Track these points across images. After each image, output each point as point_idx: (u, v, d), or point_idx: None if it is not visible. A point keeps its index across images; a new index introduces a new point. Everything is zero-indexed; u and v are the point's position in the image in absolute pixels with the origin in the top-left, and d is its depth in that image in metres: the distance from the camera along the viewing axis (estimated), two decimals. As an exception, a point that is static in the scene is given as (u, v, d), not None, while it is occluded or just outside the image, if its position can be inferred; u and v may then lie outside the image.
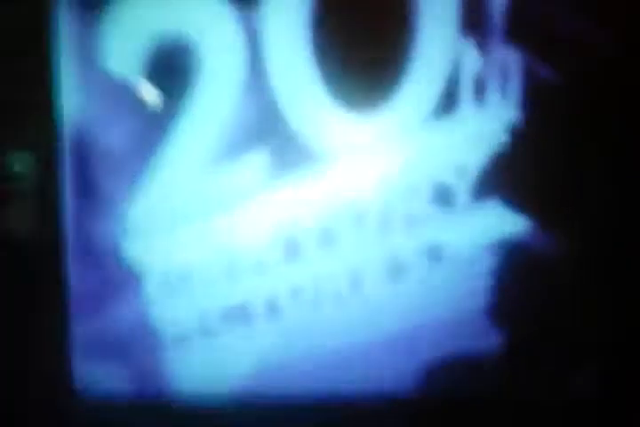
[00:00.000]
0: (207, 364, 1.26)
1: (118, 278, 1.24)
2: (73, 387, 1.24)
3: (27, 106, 1.19)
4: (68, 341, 1.23)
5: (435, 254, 1.27)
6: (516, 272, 1.28)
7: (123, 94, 1.21)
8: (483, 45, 1.23)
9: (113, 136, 1.21)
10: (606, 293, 1.28)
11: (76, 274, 1.23)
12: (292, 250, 1.25)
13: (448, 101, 1.23)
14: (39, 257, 1.22)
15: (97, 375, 1.24)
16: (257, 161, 1.23)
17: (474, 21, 1.22)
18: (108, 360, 1.24)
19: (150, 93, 1.21)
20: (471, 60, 1.23)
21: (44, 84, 1.18)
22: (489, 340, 1.28)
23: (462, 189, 1.25)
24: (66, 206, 1.21)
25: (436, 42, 1.22)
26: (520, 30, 1.22)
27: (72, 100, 1.20)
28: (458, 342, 1.28)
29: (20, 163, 1.20)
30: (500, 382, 1.28)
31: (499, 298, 1.28)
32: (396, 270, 1.27)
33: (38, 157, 1.20)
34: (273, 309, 1.26)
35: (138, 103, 1.21)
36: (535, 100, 1.24)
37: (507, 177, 1.25)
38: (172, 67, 1.21)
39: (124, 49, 1.20)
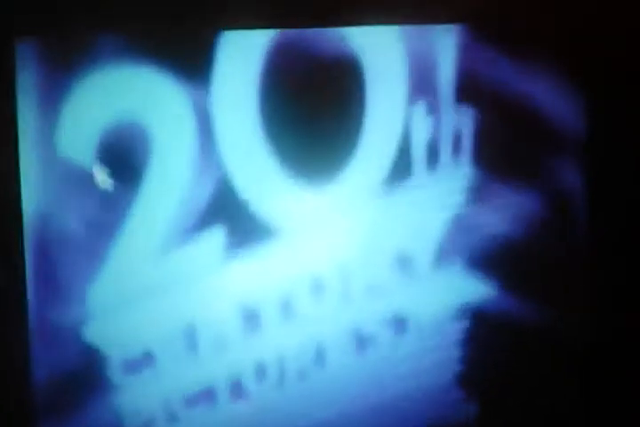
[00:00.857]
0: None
1: (80, 364, 1.20)
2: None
3: None
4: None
5: (399, 324, 1.26)
6: (483, 339, 1.27)
7: (78, 179, 1.18)
8: (433, 109, 1.24)
9: (70, 220, 1.18)
10: (576, 353, 1.28)
11: (39, 360, 1.19)
12: (253, 325, 1.22)
13: (402, 167, 1.24)
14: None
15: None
16: (213, 237, 1.20)
17: (423, 86, 1.24)
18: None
19: (105, 177, 1.19)
20: (422, 124, 1.24)
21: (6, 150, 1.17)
22: (461, 410, 1.27)
23: (423, 256, 1.25)
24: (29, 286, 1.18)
25: (386, 109, 1.23)
26: (469, 92, 1.24)
27: (31, 185, 1.18)
28: (429, 415, 1.26)
29: None
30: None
31: (468, 367, 1.27)
32: (361, 342, 1.25)
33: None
34: (237, 389, 1.23)
35: (93, 187, 1.19)
36: (490, 159, 1.25)
37: (467, 241, 1.26)
38: (125, 150, 1.19)
39: (77, 134, 1.18)
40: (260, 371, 1.24)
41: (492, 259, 1.25)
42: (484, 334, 1.26)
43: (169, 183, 1.20)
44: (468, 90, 1.24)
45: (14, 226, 1.16)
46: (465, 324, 1.26)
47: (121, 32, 1.17)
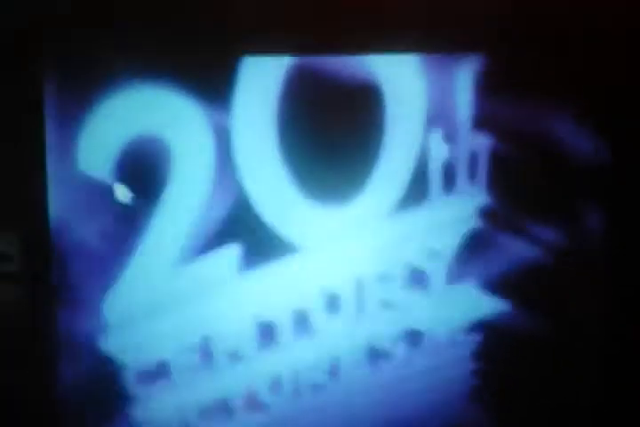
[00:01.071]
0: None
1: (98, 374, 1.22)
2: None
3: (16, 188, 1.19)
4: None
5: (413, 340, 1.27)
6: (497, 353, 1.28)
7: (100, 193, 1.21)
8: (450, 135, 1.25)
9: (90, 234, 1.20)
10: (590, 368, 1.28)
11: (50, 364, 1.21)
12: (268, 340, 1.24)
13: (418, 188, 1.25)
14: (25, 342, 1.21)
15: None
16: (230, 252, 1.22)
17: (441, 112, 1.24)
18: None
19: (125, 192, 1.22)
20: (439, 149, 1.25)
21: (34, 164, 1.19)
22: (476, 425, 1.28)
23: (437, 273, 1.26)
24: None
25: (404, 132, 1.24)
26: (486, 119, 1.25)
27: (55, 198, 1.20)
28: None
29: (6, 244, 1.20)
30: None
31: (482, 381, 1.28)
32: (375, 356, 1.26)
33: (25, 239, 1.20)
34: (252, 401, 1.25)
35: (114, 202, 1.21)
36: (504, 184, 1.26)
37: (480, 260, 1.27)
38: (146, 166, 1.21)
39: (98, 150, 1.20)
40: (275, 384, 1.26)
41: (505, 277, 1.27)
42: (498, 349, 1.27)
43: (188, 199, 1.22)
44: (486, 118, 1.25)
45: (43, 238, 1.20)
46: (479, 338, 1.27)
47: (145, 54, 1.19)
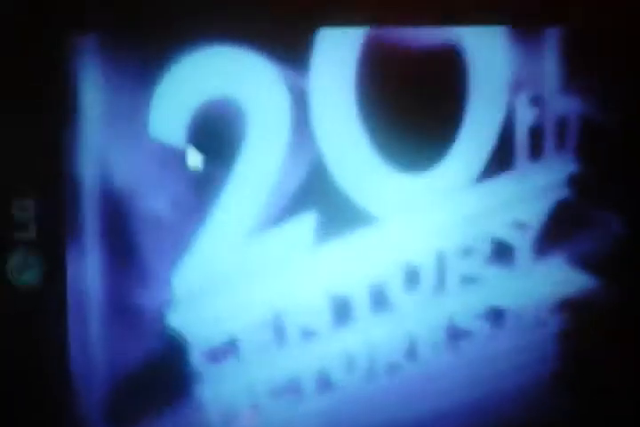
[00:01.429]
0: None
1: (163, 351, 1.16)
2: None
3: (35, 152, 1.13)
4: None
5: (497, 318, 1.20)
6: (584, 333, 1.20)
7: (169, 160, 1.15)
8: (537, 99, 1.18)
9: (160, 203, 1.15)
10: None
11: (113, 339, 1.15)
12: (343, 315, 1.17)
13: (504, 156, 1.18)
14: (42, 310, 1.14)
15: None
16: (305, 224, 1.16)
17: (526, 77, 1.18)
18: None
19: (197, 159, 1.15)
20: (525, 113, 1.18)
21: (56, 132, 1.14)
22: (558, 409, 1.20)
23: (523, 247, 1.19)
24: (74, 260, 1.15)
25: (489, 96, 1.17)
26: (576, 79, 1.18)
27: (122, 167, 1.15)
28: (524, 412, 1.20)
29: (25, 211, 1.13)
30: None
31: (567, 363, 1.20)
32: (455, 335, 1.19)
33: (44, 206, 1.14)
34: (324, 381, 1.18)
35: (184, 169, 1.15)
36: (595, 150, 1.18)
37: (570, 233, 1.19)
38: (219, 132, 1.15)
39: (170, 114, 1.14)
40: (349, 363, 1.19)
41: (596, 252, 1.19)
42: (586, 329, 1.19)
43: (262, 166, 1.16)
44: (575, 83, 1.18)
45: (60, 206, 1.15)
46: (567, 317, 1.20)
47: (220, 16, 1.14)
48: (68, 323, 1.14)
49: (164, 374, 1.16)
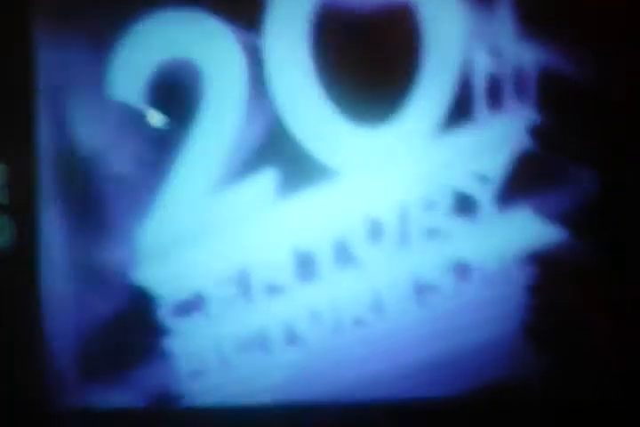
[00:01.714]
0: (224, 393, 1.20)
1: (130, 306, 1.20)
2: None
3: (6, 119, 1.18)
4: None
5: (462, 271, 1.18)
6: (551, 286, 1.18)
7: (129, 120, 1.19)
8: (495, 45, 1.16)
9: (123, 161, 1.18)
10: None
11: (81, 296, 1.19)
12: (307, 270, 1.18)
13: (462, 107, 1.16)
14: (14, 273, 1.18)
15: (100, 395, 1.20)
16: (266, 179, 1.17)
17: (484, 21, 1.16)
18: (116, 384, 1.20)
19: (157, 118, 1.18)
20: (483, 63, 1.16)
21: (27, 99, 1.18)
22: (527, 362, 1.18)
23: (485, 199, 1.17)
24: (45, 222, 1.19)
25: (446, 45, 1.16)
26: (534, 25, 1.15)
27: (84, 127, 1.19)
28: (493, 367, 1.18)
29: None
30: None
31: (535, 315, 1.18)
32: (421, 289, 1.18)
33: (15, 171, 1.18)
34: (291, 335, 1.20)
35: (145, 128, 1.19)
36: (555, 98, 1.15)
37: (532, 184, 1.17)
38: (176, 91, 1.18)
39: (129, 76, 1.18)
40: (315, 317, 1.20)
41: (560, 203, 1.15)
42: (552, 281, 1.16)
43: (221, 124, 1.18)
44: (532, 31, 1.15)
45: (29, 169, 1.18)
46: (532, 270, 1.17)
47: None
48: (39, 283, 1.19)
49: (133, 328, 1.19)
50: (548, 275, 1.17)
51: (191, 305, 1.20)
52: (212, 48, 1.17)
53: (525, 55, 1.15)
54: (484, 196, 1.17)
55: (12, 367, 1.19)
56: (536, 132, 1.16)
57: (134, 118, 1.18)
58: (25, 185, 1.18)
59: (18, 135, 1.18)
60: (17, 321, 1.19)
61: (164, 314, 1.19)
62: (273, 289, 1.19)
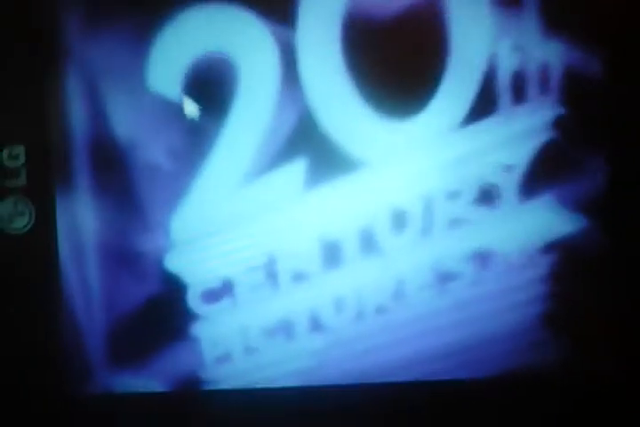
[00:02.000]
0: (249, 378, 1.23)
1: (161, 292, 1.22)
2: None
3: (26, 99, 1.20)
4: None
5: (483, 259, 1.22)
6: (573, 275, 1.21)
7: (164, 111, 1.22)
8: (520, 41, 1.21)
9: (158, 152, 1.21)
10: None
11: (111, 282, 1.22)
12: (333, 258, 1.21)
13: (487, 100, 1.20)
14: (34, 258, 1.20)
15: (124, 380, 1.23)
16: (295, 170, 1.21)
17: (510, 18, 1.21)
18: (142, 369, 1.22)
19: (191, 110, 1.22)
20: (508, 58, 1.21)
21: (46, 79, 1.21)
22: (547, 352, 1.22)
23: (509, 189, 1.21)
24: (69, 207, 1.21)
25: (472, 43, 1.20)
26: (559, 21, 1.20)
27: (121, 117, 1.22)
28: (513, 355, 1.22)
29: (14, 158, 1.20)
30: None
31: (556, 305, 1.22)
32: (443, 277, 1.21)
33: (33, 153, 1.20)
34: (316, 322, 1.22)
35: (179, 119, 1.22)
36: (579, 94, 1.20)
37: (555, 175, 1.21)
38: (212, 84, 1.22)
39: (164, 68, 1.21)
40: (339, 304, 1.23)
41: (583, 194, 1.20)
42: (574, 270, 1.20)
43: (253, 116, 1.22)
44: (557, 27, 1.20)
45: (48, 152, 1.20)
46: (554, 259, 1.21)
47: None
48: (63, 268, 1.21)
49: (162, 314, 1.22)
50: (567, 263, 1.21)
51: (220, 292, 1.23)
52: (245, 42, 1.20)
53: (549, 51, 1.20)
54: (507, 185, 1.21)
55: (36, 352, 1.21)
56: (558, 125, 1.21)
57: (171, 110, 1.21)
58: (46, 168, 1.20)
59: (39, 116, 1.20)
60: (40, 306, 1.21)
61: (193, 300, 1.22)
62: (299, 277, 1.22)
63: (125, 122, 1.21)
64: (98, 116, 1.22)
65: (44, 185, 1.21)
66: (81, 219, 1.22)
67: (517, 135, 1.20)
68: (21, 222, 1.20)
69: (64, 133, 1.22)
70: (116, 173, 1.21)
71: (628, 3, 1.18)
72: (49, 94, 1.21)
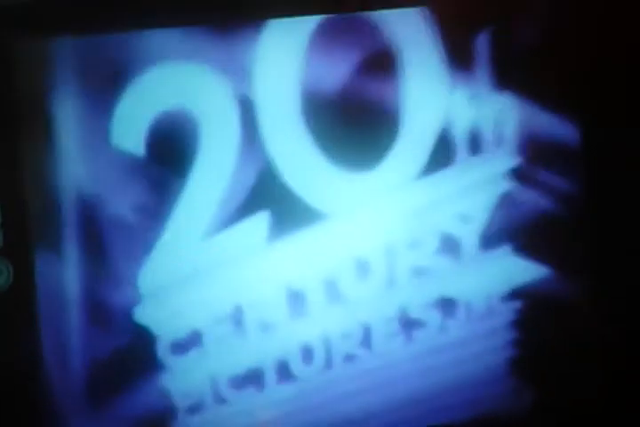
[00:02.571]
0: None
1: (130, 344, 1.24)
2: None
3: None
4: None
5: (448, 307, 1.24)
6: (537, 321, 1.23)
7: (130, 167, 1.25)
8: (474, 94, 1.23)
9: (122, 206, 1.24)
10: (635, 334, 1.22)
11: (83, 335, 1.23)
12: (298, 307, 1.23)
13: (444, 151, 1.23)
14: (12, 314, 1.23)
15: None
16: (258, 223, 1.23)
17: (463, 71, 1.23)
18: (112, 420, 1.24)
19: (155, 166, 1.25)
20: (463, 109, 1.23)
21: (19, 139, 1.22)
22: (514, 399, 1.23)
23: (469, 238, 1.23)
24: (42, 263, 1.23)
25: (427, 95, 1.23)
26: (510, 76, 1.22)
27: (76, 172, 1.24)
28: (480, 402, 1.23)
29: None
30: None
31: (521, 351, 1.23)
32: (408, 325, 1.24)
33: (10, 212, 1.23)
34: (284, 371, 1.24)
35: (143, 175, 1.25)
36: (534, 144, 1.22)
37: (514, 223, 1.23)
38: (173, 140, 1.24)
39: (128, 125, 1.24)
40: (307, 353, 1.25)
41: (540, 239, 1.22)
42: (537, 316, 1.23)
43: (215, 171, 1.24)
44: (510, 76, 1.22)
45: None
46: (517, 306, 1.23)
47: (165, 28, 1.23)
48: (38, 324, 1.23)
49: (132, 366, 1.24)
50: (531, 310, 1.23)
51: (188, 343, 1.25)
52: (205, 98, 1.23)
53: (503, 104, 1.22)
54: (467, 235, 1.23)
55: (12, 404, 1.24)
56: (514, 174, 1.23)
57: (135, 166, 1.24)
58: (20, 226, 1.22)
59: (13, 174, 1.23)
60: (16, 363, 1.23)
61: (163, 351, 1.24)
62: (266, 326, 1.25)
63: (92, 178, 1.24)
64: (68, 172, 1.25)
65: (21, 244, 1.24)
66: (56, 275, 1.25)
67: (475, 185, 1.23)
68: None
69: (40, 192, 1.25)
70: (85, 230, 1.24)
71: (576, 59, 1.20)
72: (23, 152, 1.25)
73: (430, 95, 1.22)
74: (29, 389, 1.25)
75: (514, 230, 1.23)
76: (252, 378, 1.25)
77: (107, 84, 1.24)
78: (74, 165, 1.24)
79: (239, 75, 1.23)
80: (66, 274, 1.25)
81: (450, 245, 1.23)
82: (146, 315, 1.25)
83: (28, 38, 1.23)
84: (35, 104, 1.25)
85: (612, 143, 1.23)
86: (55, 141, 1.25)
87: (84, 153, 1.25)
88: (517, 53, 1.22)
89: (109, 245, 1.25)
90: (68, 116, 1.25)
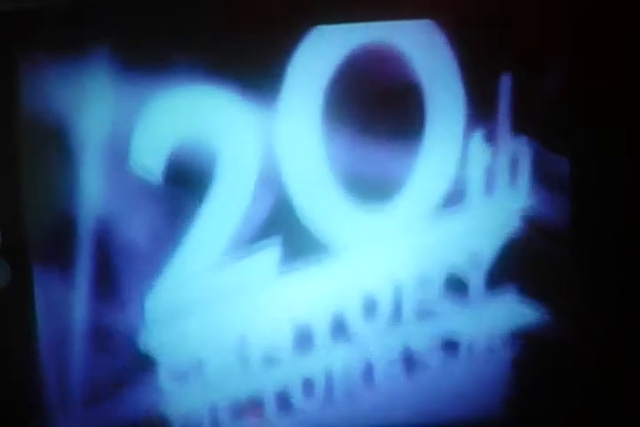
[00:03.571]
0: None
1: (131, 367, 1.24)
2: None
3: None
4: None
5: (450, 347, 1.26)
6: (536, 364, 1.26)
7: (146, 192, 1.24)
8: (491, 138, 1.25)
9: (135, 231, 1.23)
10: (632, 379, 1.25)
11: (85, 360, 1.23)
12: (303, 341, 1.24)
13: (458, 192, 1.25)
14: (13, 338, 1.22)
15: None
16: (269, 253, 1.23)
17: (481, 115, 1.25)
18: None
19: (171, 192, 1.24)
20: (479, 152, 1.25)
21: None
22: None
23: (476, 279, 1.25)
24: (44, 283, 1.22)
25: (445, 136, 1.24)
26: (526, 122, 1.25)
27: (98, 196, 1.23)
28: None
29: None
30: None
31: (520, 393, 1.26)
32: (411, 363, 1.25)
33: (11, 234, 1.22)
34: (284, 403, 1.25)
35: (158, 200, 1.24)
36: (545, 188, 1.25)
37: (521, 266, 1.25)
38: (192, 166, 1.23)
39: (147, 150, 1.23)
40: (308, 387, 1.25)
41: (545, 285, 1.25)
42: (537, 360, 1.25)
43: (231, 200, 1.24)
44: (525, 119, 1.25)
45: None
46: (518, 348, 1.26)
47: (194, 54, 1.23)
48: (39, 348, 1.22)
49: (134, 392, 1.24)
50: (531, 352, 1.26)
51: (190, 371, 1.24)
52: (227, 125, 1.22)
53: (518, 145, 1.25)
54: (475, 276, 1.25)
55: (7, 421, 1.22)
56: (525, 217, 1.26)
57: (150, 190, 1.23)
58: (22, 247, 1.22)
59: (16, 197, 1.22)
60: (13, 377, 1.22)
61: (164, 379, 1.24)
62: (270, 359, 1.25)
63: (106, 202, 1.23)
64: (77, 195, 1.23)
65: (22, 266, 1.22)
66: (58, 297, 1.23)
67: (486, 225, 1.25)
68: None
69: (41, 214, 1.23)
70: (94, 253, 1.23)
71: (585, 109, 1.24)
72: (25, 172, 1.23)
73: (450, 134, 1.24)
74: (26, 414, 1.23)
75: (521, 271, 1.25)
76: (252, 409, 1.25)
77: (128, 106, 1.24)
78: (89, 187, 1.23)
79: (264, 102, 1.24)
80: (72, 294, 1.23)
81: (456, 284, 1.25)
82: (149, 341, 1.24)
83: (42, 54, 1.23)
84: (46, 120, 1.24)
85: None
86: (71, 161, 1.24)
87: (101, 175, 1.23)
88: (537, 101, 1.25)
89: (117, 270, 1.24)
90: (85, 135, 1.24)
